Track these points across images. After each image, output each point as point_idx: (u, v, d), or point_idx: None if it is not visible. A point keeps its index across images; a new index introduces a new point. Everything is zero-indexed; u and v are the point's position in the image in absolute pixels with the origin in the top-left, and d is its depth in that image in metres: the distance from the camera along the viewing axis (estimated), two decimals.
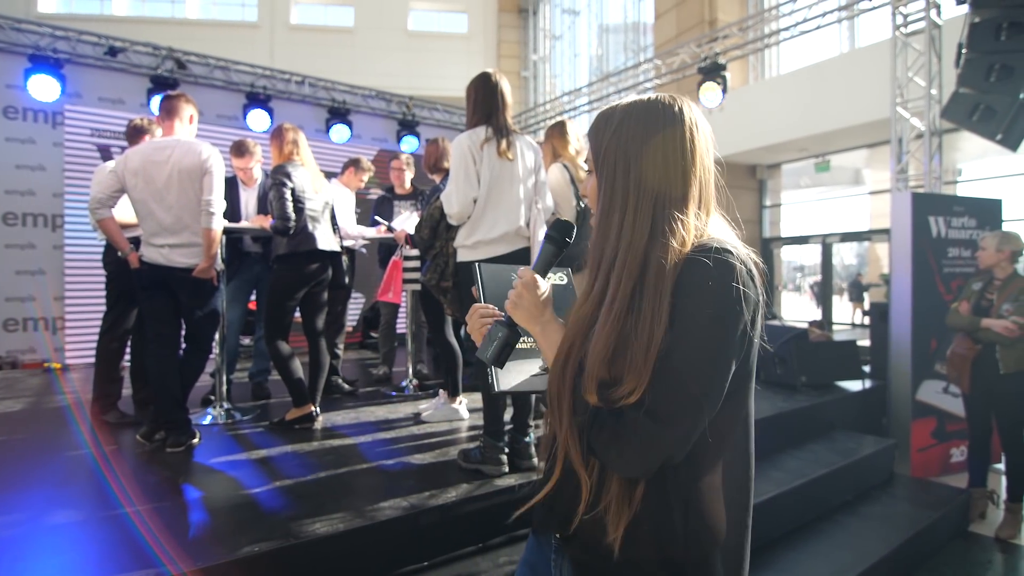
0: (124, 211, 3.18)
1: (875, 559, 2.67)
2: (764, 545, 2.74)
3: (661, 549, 0.86)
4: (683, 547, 0.86)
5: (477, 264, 1.12)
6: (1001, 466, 3.62)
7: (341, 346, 4.31)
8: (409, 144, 8.01)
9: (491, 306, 1.05)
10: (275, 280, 3.30)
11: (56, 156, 5.73)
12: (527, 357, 1.06)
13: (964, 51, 4.35)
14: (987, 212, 4.68)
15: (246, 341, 5.06)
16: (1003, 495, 3.52)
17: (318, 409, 3.33)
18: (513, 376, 1.03)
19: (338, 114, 7.48)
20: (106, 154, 5.74)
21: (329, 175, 4.06)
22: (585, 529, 0.89)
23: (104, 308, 3.54)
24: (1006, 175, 8.04)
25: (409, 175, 4.61)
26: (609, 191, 0.90)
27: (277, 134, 3.38)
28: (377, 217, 4.35)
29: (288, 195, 3.17)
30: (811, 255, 11.40)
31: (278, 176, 3.20)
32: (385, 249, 4.52)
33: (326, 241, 3.36)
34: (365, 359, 5.94)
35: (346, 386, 4.17)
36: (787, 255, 11.27)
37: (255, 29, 14.70)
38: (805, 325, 6.44)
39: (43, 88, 5.51)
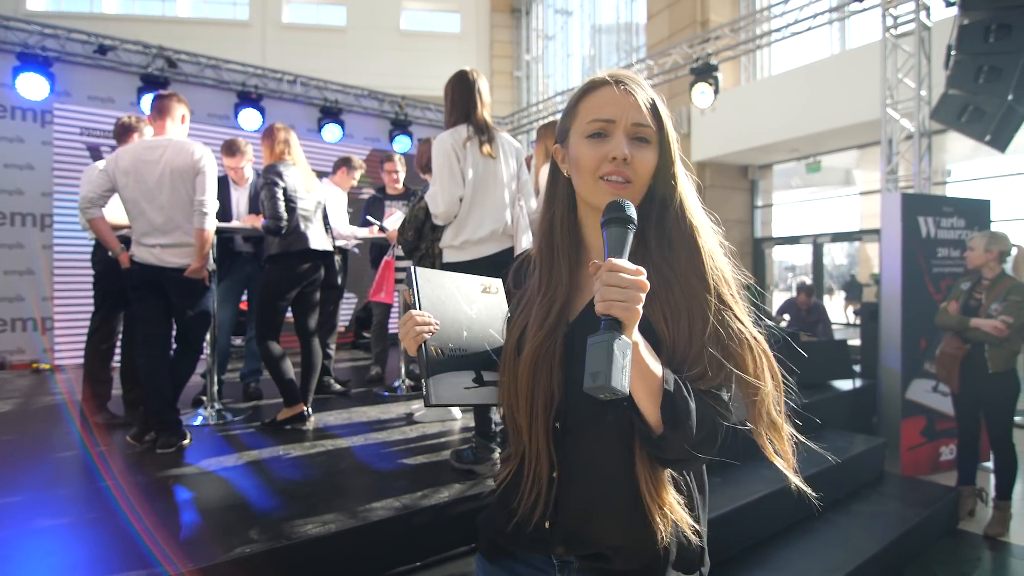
0: (115, 212, 3.16)
1: (866, 557, 2.68)
2: (756, 543, 2.75)
3: (691, 537, 0.88)
4: (702, 529, 0.91)
5: (413, 267, 0.98)
6: (990, 464, 3.65)
7: (333, 346, 4.29)
8: (402, 144, 8.00)
9: (427, 314, 0.92)
10: (267, 280, 3.29)
11: (45, 155, 5.68)
12: (460, 368, 0.95)
13: (953, 53, 4.39)
14: (976, 212, 4.72)
15: (237, 341, 5.03)
16: (991, 493, 3.55)
17: (310, 409, 3.32)
18: (447, 388, 0.93)
19: (330, 113, 7.46)
20: (96, 153, 5.69)
21: (321, 175, 4.05)
22: (619, 539, 0.87)
23: (92, 308, 3.50)
24: (995, 176, 8.12)
25: (402, 175, 4.61)
26: (685, 177, 0.93)
27: (268, 134, 3.36)
28: (369, 217, 4.34)
29: (280, 195, 3.16)
30: (802, 255, 11.47)
31: (269, 176, 3.18)
32: (377, 249, 4.51)
33: (318, 241, 3.34)
34: (357, 359, 5.92)
35: (338, 386, 4.15)
36: (778, 255, 11.33)
37: (246, 28, 14.62)
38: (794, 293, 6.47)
39: (32, 86, 5.46)
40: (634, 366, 0.73)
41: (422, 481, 2.42)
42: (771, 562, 2.64)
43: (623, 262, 0.74)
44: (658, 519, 0.83)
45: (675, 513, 0.85)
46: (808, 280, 7.56)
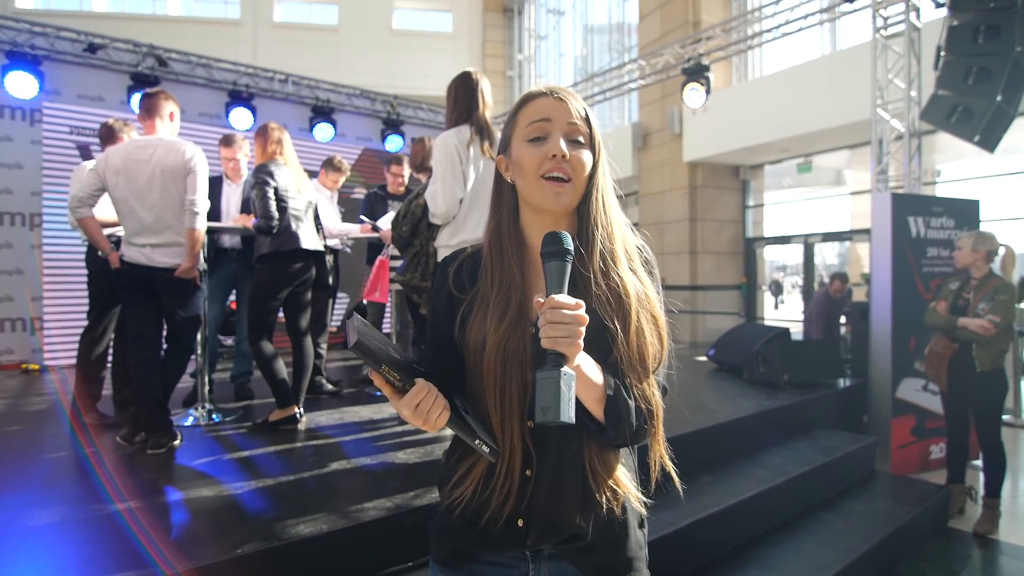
0: (104, 210, 3.14)
1: (856, 555, 2.70)
2: (747, 542, 2.76)
3: (637, 505, 0.98)
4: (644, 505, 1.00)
5: (361, 342, 0.76)
6: (979, 462, 3.68)
7: (324, 346, 4.27)
8: (394, 143, 7.98)
9: (419, 380, 0.82)
10: (258, 280, 3.27)
11: (34, 154, 5.63)
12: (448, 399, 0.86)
13: (943, 54, 4.42)
14: (965, 212, 4.76)
15: (228, 342, 5.00)
16: (981, 491, 3.58)
17: (302, 410, 3.31)
18: (481, 430, 0.88)
19: (322, 113, 7.44)
20: (85, 152, 5.64)
21: (313, 174, 4.03)
22: (584, 519, 0.93)
23: (83, 308, 3.48)
24: (983, 176, 8.19)
25: (407, 178, 4.59)
26: (606, 180, 0.98)
27: (262, 133, 3.35)
28: (363, 216, 4.32)
29: (271, 194, 3.15)
30: (793, 255, 11.53)
31: (261, 175, 3.18)
32: (374, 250, 4.50)
33: (309, 241, 3.33)
34: (349, 359, 5.90)
35: (330, 386, 4.14)
36: (769, 255, 11.39)
37: (238, 27, 14.56)
38: (827, 281, 6.63)
39: (21, 85, 5.42)
40: (580, 384, 0.82)
41: (414, 481, 2.41)
42: (762, 560, 2.65)
43: (564, 298, 0.78)
44: (609, 495, 0.93)
45: (621, 486, 0.95)
46: (775, 280, 7.56)
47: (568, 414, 0.74)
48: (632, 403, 0.88)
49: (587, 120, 0.95)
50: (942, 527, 3.52)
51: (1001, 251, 3.64)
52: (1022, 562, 3.10)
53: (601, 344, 0.89)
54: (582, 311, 0.78)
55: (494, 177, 1.03)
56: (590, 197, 0.95)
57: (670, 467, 0.97)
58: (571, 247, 0.83)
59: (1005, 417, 4.60)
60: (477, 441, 0.85)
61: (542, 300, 0.79)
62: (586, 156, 0.93)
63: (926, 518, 3.36)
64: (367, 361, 0.79)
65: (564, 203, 0.92)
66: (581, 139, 0.94)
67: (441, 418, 0.82)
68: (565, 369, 0.76)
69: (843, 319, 7.44)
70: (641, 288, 0.94)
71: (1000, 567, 3.10)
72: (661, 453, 0.96)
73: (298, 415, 3.26)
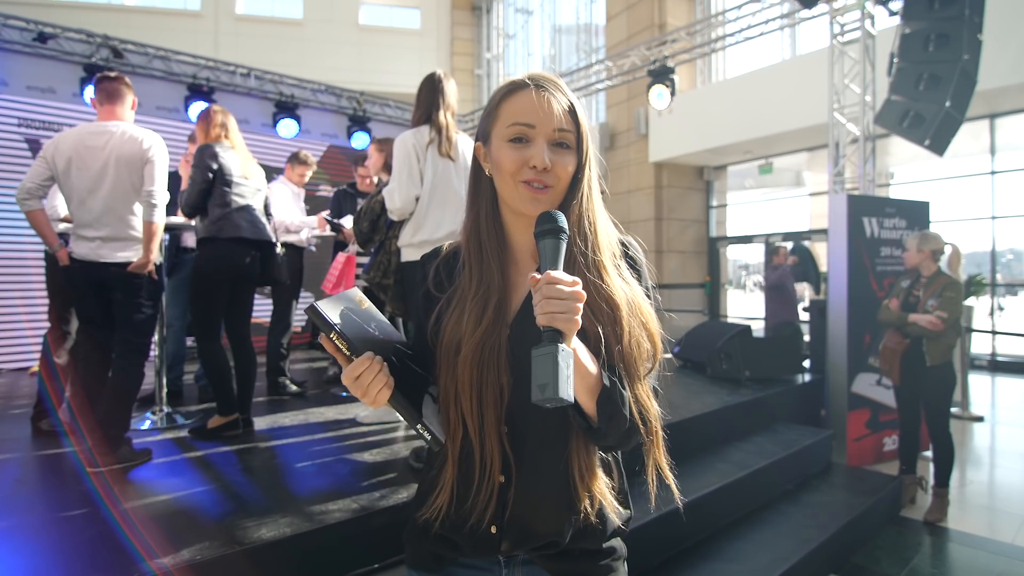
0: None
1: (814, 545, 2.78)
2: (710, 535, 2.81)
3: (614, 517, 0.96)
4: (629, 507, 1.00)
5: (315, 305, 0.81)
6: (929, 453, 3.82)
7: (287, 345, 4.19)
8: (360, 140, 7.89)
9: (374, 355, 0.80)
10: (197, 268, 3.03)
11: None
12: (422, 395, 0.88)
13: (896, 60, 4.59)
14: (916, 213, 4.94)
15: (190, 342, 4.87)
16: (931, 481, 3.72)
17: (248, 417, 3.11)
18: (436, 420, 0.87)
19: (286, 108, 7.30)
20: (35, 146, 5.42)
21: (279, 171, 3.94)
22: (559, 527, 0.92)
23: (29, 308, 3.34)
24: (934, 179, 8.51)
25: (376, 177, 4.54)
26: (592, 179, 0.94)
27: (204, 116, 3.15)
28: (327, 215, 4.25)
29: (208, 177, 2.98)
30: (755, 254, 11.80)
31: (203, 156, 2.98)
32: (340, 248, 4.43)
33: (254, 230, 3.09)
34: (314, 359, 5.81)
35: (294, 387, 4.06)
36: (732, 254, 11.63)
37: (198, 18, 14.19)
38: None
39: None
40: (575, 370, 0.76)
41: (380, 481, 2.39)
42: (725, 553, 2.70)
43: (560, 274, 0.76)
44: (588, 504, 0.90)
45: (604, 498, 0.93)
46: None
47: (567, 391, 0.70)
48: (628, 396, 0.84)
49: (573, 114, 0.90)
50: (895, 516, 3.64)
51: (947, 250, 3.79)
52: (970, 548, 3.23)
53: (592, 351, 0.85)
54: (579, 288, 0.75)
55: (472, 166, 0.98)
56: (573, 201, 0.90)
57: (670, 479, 0.93)
58: (565, 225, 0.80)
59: (953, 410, 4.79)
60: (419, 425, 0.83)
61: (538, 276, 0.76)
62: (569, 161, 0.89)
63: (880, 508, 3.48)
64: (319, 325, 0.80)
65: (542, 209, 0.87)
66: (567, 143, 0.89)
67: (381, 394, 0.80)
68: (563, 346, 0.72)
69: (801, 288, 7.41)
70: (632, 294, 0.90)
71: (949, 554, 3.23)
72: (661, 464, 0.92)
73: (240, 422, 3.05)
